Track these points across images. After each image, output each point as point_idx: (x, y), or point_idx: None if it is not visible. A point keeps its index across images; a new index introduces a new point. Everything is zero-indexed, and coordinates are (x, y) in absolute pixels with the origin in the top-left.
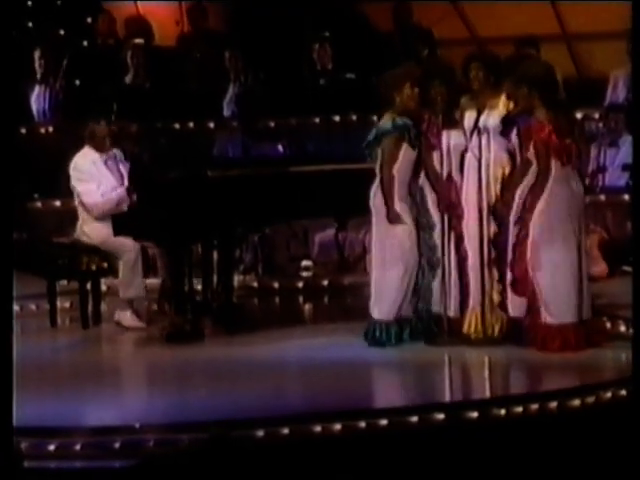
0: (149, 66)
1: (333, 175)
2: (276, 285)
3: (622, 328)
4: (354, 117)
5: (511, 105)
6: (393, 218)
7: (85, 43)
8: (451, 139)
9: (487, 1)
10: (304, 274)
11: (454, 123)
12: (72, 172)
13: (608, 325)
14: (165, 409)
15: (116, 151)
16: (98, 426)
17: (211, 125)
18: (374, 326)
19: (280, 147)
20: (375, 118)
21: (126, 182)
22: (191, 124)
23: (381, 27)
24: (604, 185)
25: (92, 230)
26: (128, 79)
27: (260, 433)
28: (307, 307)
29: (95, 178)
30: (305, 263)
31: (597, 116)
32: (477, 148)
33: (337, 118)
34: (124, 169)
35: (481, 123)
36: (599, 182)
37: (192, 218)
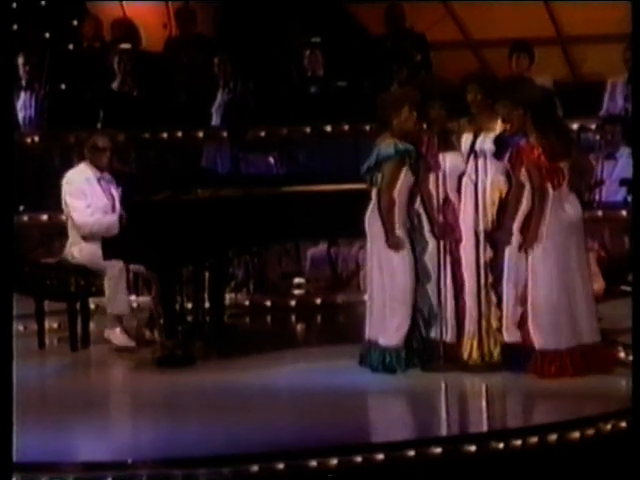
0: (136, 72)
1: (327, 196)
2: (268, 303)
3: (622, 354)
4: (346, 127)
5: (508, 127)
6: (393, 244)
7: (71, 46)
8: (447, 161)
9: (481, 1)
10: (296, 292)
11: (451, 145)
12: (65, 186)
13: None
14: (156, 442)
15: (108, 175)
16: (89, 461)
17: (200, 135)
18: (383, 353)
19: (271, 159)
20: (367, 128)
21: (117, 205)
22: (179, 133)
23: (373, 31)
24: (601, 200)
25: (80, 250)
26: (115, 85)
27: (254, 468)
28: (300, 327)
29: (87, 196)
30: (297, 280)
31: (594, 127)
32: (474, 172)
33: (329, 128)
34: (115, 192)
35: (478, 146)
36: (596, 197)
37: (183, 241)
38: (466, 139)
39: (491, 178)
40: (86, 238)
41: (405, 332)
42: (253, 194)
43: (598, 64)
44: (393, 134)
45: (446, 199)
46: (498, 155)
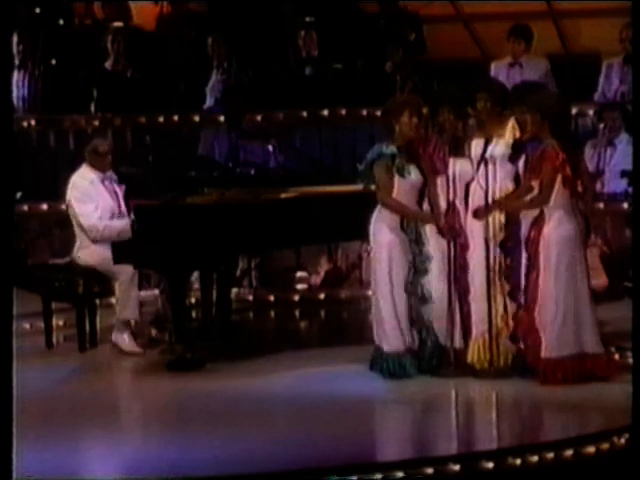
0: (130, 52)
1: (335, 199)
2: (272, 298)
3: (630, 360)
4: (343, 111)
5: (517, 133)
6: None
7: (61, 22)
8: (457, 167)
9: None
10: (299, 286)
11: (461, 151)
12: (70, 191)
13: (616, 357)
14: (166, 457)
15: (110, 173)
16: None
17: (196, 119)
18: (386, 360)
19: (270, 147)
20: (364, 113)
21: (122, 204)
22: (175, 117)
23: (365, 9)
24: (602, 191)
25: (89, 253)
26: (108, 65)
27: None
28: (305, 325)
29: (93, 199)
30: (300, 274)
31: (591, 112)
32: (484, 178)
33: (325, 112)
34: (119, 190)
35: (488, 153)
36: (596, 187)
37: (191, 247)
38: (476, 145)
39: (500, 184)
40: (96, 241)
41: (400, 337)
42: (260, 199)
43: (592, 40)
44: (395, 140)
45: (452, 205)
46: (513, 159)
